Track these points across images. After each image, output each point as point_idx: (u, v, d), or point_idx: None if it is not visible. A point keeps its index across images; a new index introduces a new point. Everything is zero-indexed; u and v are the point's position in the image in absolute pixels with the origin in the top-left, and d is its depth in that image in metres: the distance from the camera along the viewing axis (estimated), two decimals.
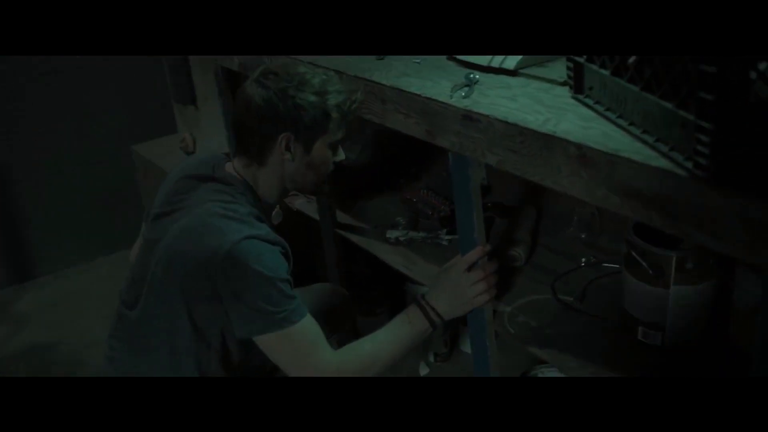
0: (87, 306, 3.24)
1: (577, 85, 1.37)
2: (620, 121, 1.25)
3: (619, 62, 1.22)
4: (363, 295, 2.54)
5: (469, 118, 1.42)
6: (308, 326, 1.59)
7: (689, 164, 1.05)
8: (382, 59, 1.80)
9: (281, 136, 1.63)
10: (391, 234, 2.06)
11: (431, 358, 2.54)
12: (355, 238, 2.15)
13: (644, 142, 1.17)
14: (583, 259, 1.86)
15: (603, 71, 1.27)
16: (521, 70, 1.57)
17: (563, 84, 1.45)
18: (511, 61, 1.57)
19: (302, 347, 1.59)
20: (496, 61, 1.59)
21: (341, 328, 2.10)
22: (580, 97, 1.37)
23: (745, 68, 0.96)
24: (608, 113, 1.28)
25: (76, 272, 3.62)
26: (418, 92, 1.55)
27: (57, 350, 3.04)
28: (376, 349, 1.67)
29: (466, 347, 2.49)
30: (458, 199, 1.60)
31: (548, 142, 1.26)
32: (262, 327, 1.56)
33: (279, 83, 1.62)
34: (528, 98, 1.42)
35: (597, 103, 1.32)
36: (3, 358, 3.01)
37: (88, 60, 3.32)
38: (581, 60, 1.34)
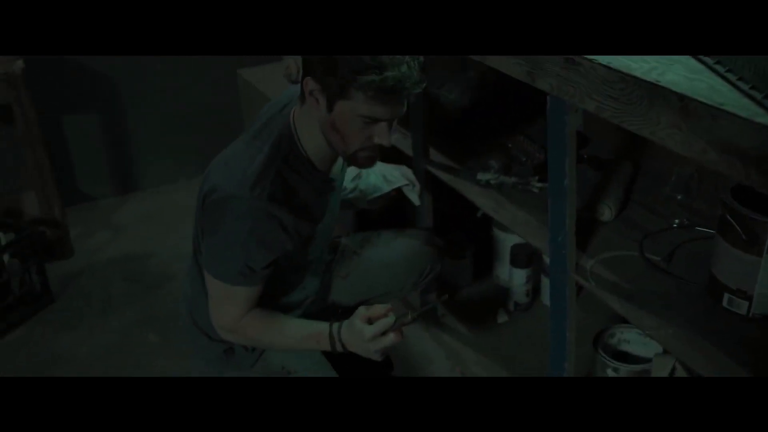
0: (180, 222, 3.35)
1: None
2: (729, 75, 1.19)
3: None
4: (449, 237, 2.54)
5: (571, 61, 1.39)
6: (243, 292, 1.69)
7: None
8: None
9: (307, 78, 1.58)
10: (482, 176, 2.04)
11: (511, 307, 2.54)
12: (444, 176, 2.14)
13: (752, 98, 1.12)
14: (677, 221, 1.81)
15: None
16: None
17: None
18: None
19: (227, 301, 1.70)
20: None
21: (426, 276, 2.11)
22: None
23: None
24: (717, 66, 1.23)
25: (174, 189, 3.73)
26: None
27: (149, 261, 3.16)
28: (276, 339, 1.77)
29: (548, 300, 2.47)
30: (552, 144, 1.58)
31: (650, 91, 1.22)
32: (211, 269, 1.69)
33: None
34: None
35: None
36: (100, 261, 3.16)
37: None
38: None
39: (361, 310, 1.68)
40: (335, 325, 1.71)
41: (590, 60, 1.34)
